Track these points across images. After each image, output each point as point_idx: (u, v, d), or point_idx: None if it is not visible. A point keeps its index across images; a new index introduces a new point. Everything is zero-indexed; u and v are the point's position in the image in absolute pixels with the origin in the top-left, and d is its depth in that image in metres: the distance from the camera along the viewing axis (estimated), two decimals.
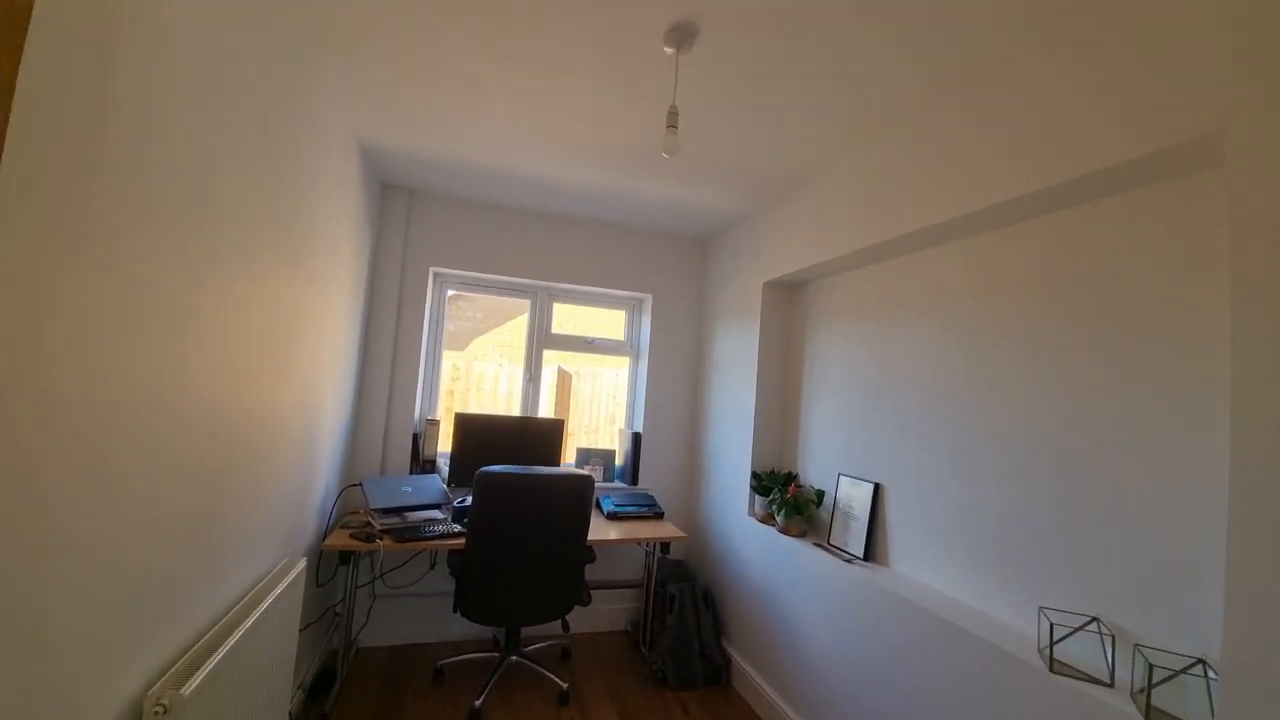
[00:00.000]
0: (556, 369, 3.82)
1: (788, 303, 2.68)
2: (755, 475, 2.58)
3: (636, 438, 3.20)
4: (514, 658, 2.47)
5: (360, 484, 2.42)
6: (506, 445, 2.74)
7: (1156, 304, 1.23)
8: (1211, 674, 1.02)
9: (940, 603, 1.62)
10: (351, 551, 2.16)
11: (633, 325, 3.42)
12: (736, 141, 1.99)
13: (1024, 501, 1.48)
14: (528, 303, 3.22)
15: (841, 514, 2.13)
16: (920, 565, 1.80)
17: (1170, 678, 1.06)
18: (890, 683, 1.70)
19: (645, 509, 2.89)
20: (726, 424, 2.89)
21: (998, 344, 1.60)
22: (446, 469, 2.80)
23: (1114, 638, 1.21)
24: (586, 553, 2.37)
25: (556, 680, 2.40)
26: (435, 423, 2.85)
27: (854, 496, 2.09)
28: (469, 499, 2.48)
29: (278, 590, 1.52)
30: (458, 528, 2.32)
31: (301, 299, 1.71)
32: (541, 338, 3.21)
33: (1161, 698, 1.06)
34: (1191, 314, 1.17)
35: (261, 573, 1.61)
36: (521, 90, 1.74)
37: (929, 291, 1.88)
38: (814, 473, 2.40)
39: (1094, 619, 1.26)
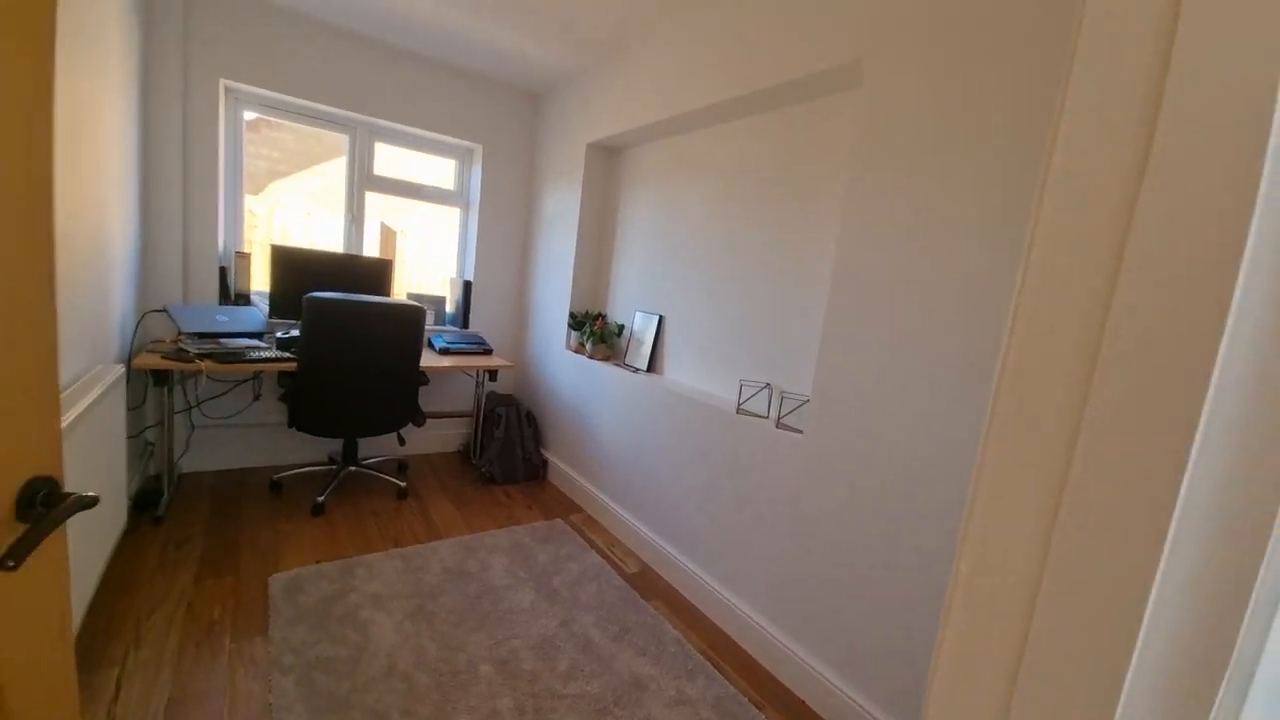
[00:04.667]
0: (380, 225, 3.71)
1: (606, 165, 3.01)
2: (572, 315, 3.05)
3: (467, 285, 3.42)
4: (352, 467, 2.78)
5: (165, 308, 2.33)
6: (331, 281, 2.78)
7: (808, 181, 1.85)
8: (809, 402, 1.79)
9: (684, 389, 2.31)
10: (167, 373, 2.17)
11: (463, 175, 3.46)
12: None
13: (736, 317, 2.15)
14: (345, 140, 3.05)
15: (635, 340, 2.72)
16: (682, 370, 2.48)
17: (795, 409, 1.81)
18: (647, 445, 2.41)
19: (475, 346, 3.23)
20: (551, 273, 3.27)
21: (733, 206, 2.17)
22: (265, 306, 2.77)
23: (777, 393, 1.96)
24: (419, 376, 2.67)
25: (394, 481, 2.79)
26: (245, 256, 2.73)
27: (644, 326, 2.67)
28: (294, 331, 2.56)
29: (99, 389, 1.59)
30: (286, 354, 2.43)
31: (78, 88, 1.56)
32: (363, 179, 3.12)
33: (787, 420, 1.82)
34: (821, 187, 1.80)
35: (73, 375, 1.63)
36: None
37: (703, 163, 2.37)
38: (617, 311, 2.95)
39: (768, 384, 2.00)
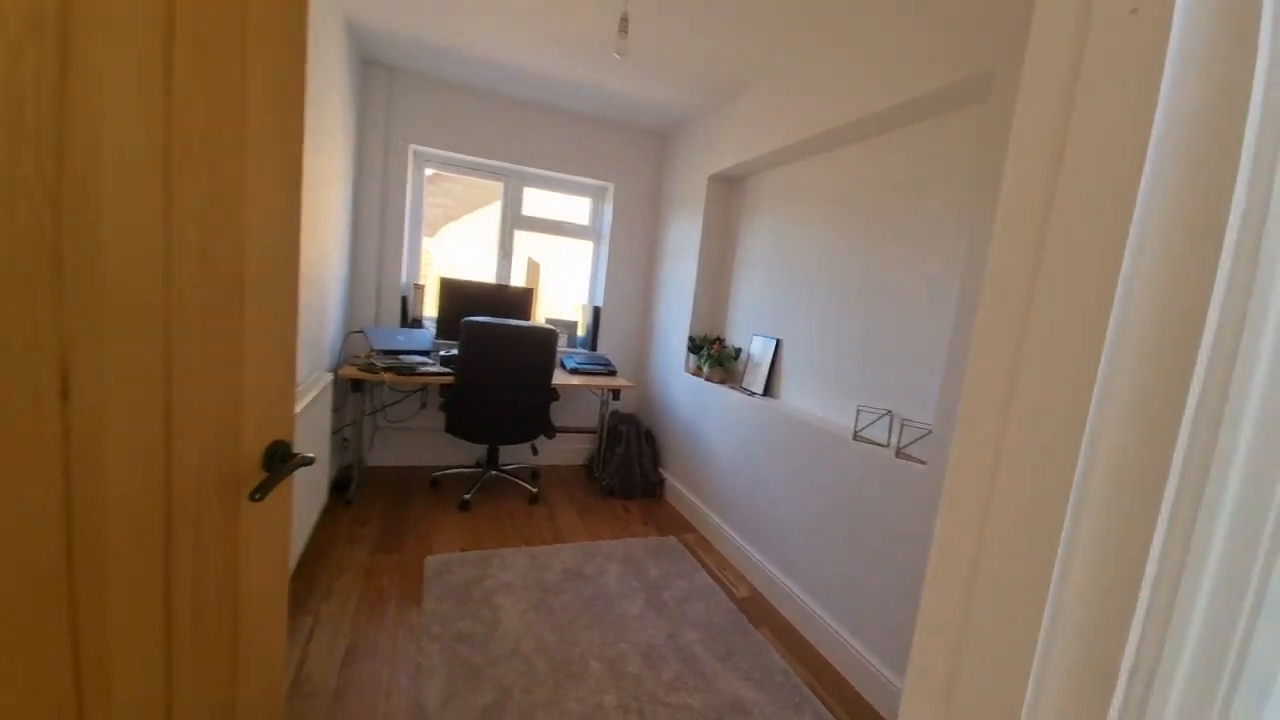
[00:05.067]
0: (527, 259, 4.21)
1: (726, 194, 3.11)
2: (691, 339, 3.16)
3: (596, 311, 3.71)
4: (493, 472, 3.13)
5: (362, 330, 2.89)
6: (484, 307, 3.21)
7: (928, 201, 1.75)
8: (932, 433, 1.68)
9: (802, 413, 2.27)
10: (361, 381, 2.68)
11: (596, 211, 3.80)
12: (685, 46, 2.31)
13: (855, 341, 2.08)
14: (500, 186, 3.53)
15: (753, 364, 2.75)
16: (799, 395, 2.44)
17: (918, 439, 1.71)
18: (761, 469, 2.40)
19: (601, 367, 3.47)
20: (672, 298, 3.42)
21: (851, 228, 2.12)
22: (433, 328, 3.28)
23: (897, 421, 1.86)
24: (551, 392, 2.95)
25: (528, 487, 3.09)
26: (421, 287, 3.28)
27: (762, 350, 2.69)
28: (454, 350, 2.99)
29: (315, 390, 2.04)
30: (446, 370, 2.85)
31: (314, 164, 2.06)
32: (513, 219, 3.57)
33: (909, 449, 1.72)
34: (943, 207, 1.69)
35: (301, 378, 2.11)
36: None
37: (820, 187, 2.36)
38: (735, 335, 2.99)
39: (888, 411, 1.91)
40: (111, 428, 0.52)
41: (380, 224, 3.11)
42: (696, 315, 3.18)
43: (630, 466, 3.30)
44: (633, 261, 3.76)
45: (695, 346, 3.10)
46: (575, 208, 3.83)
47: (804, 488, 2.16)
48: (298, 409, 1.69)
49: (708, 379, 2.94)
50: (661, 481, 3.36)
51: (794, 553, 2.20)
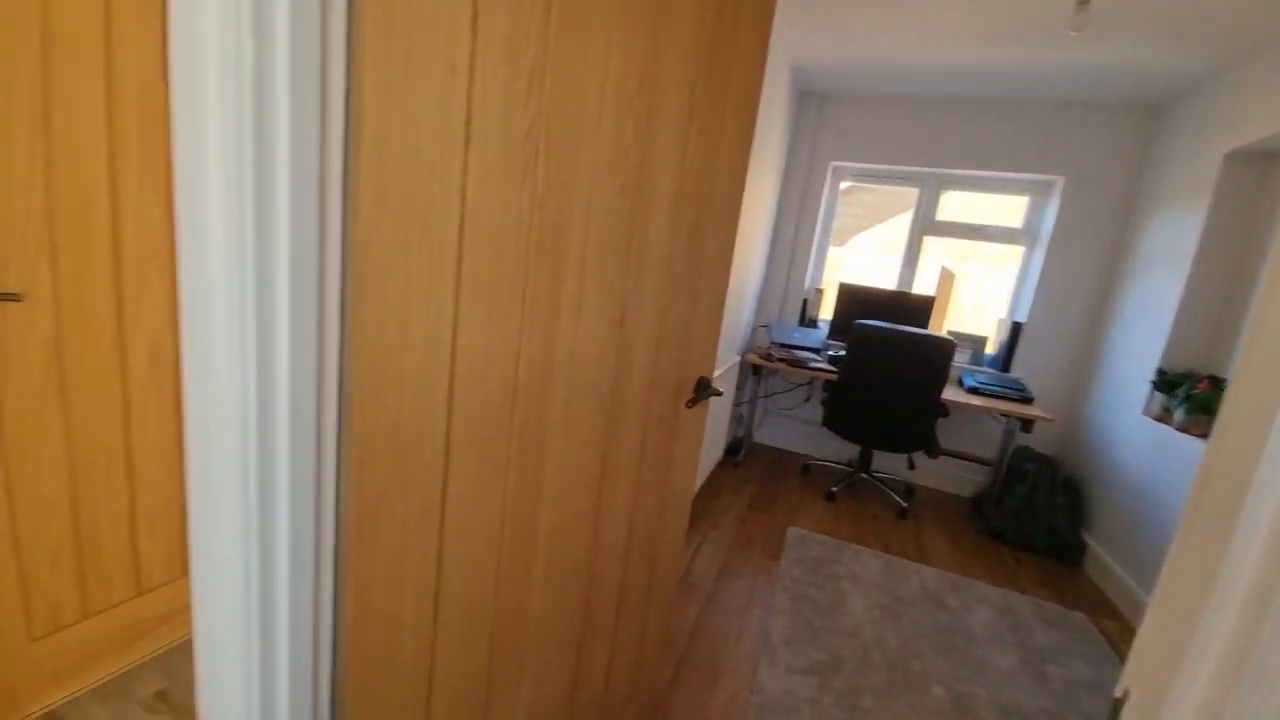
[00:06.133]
0: (940, 268, 3.95)
1: (1251, 178, 2.19)
2: (1161, 373, 2.39)
3: (1016, 327, 3.21)
4: (863, 475, 3.18)
5: (767, 325, 3.41)
6: (880, 312, 3.26)
7: None
8: None
9: None
10: (759, 367, 3.18)
11: (1035, 212, 3.26)
12: None
13: None
14: (914, 193, 3.46)
15: None
16: None
17: None
18: None
19: (1011, 391, 3.00)
20: (1137, 319, 2.65)
21: None
22: (826, 329, 3.55)
23: None
24: (939, 407, 2.78)
25: (898, 500, 3.01)
26: (821, 291, 3.59)
27: None
28: (841, 351, 3.17)
29: (726, 366, 2.59)
30: (831, 367, 3.06)
31: (751, 188, 2.60)
32: (924, 225, 3.45)
33: None
34: None
35: (718, 354, 2.71)
36: None
37: None
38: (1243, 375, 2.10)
39: None
40: (637, 345, 0.95)
41: (794, 234, 3.55)
42: (1175, 343, 2.38)
43: (1034, 515, 2.76)
44: (1081, 270, 3.06)
45: (1166, 384, 2.34)
46: (1003, 210, 3.38)
47: None
48: (716, 374, 2.24)
49: (1180, 428, 2.19)
50: (1082, 546, 2.68)
51: None
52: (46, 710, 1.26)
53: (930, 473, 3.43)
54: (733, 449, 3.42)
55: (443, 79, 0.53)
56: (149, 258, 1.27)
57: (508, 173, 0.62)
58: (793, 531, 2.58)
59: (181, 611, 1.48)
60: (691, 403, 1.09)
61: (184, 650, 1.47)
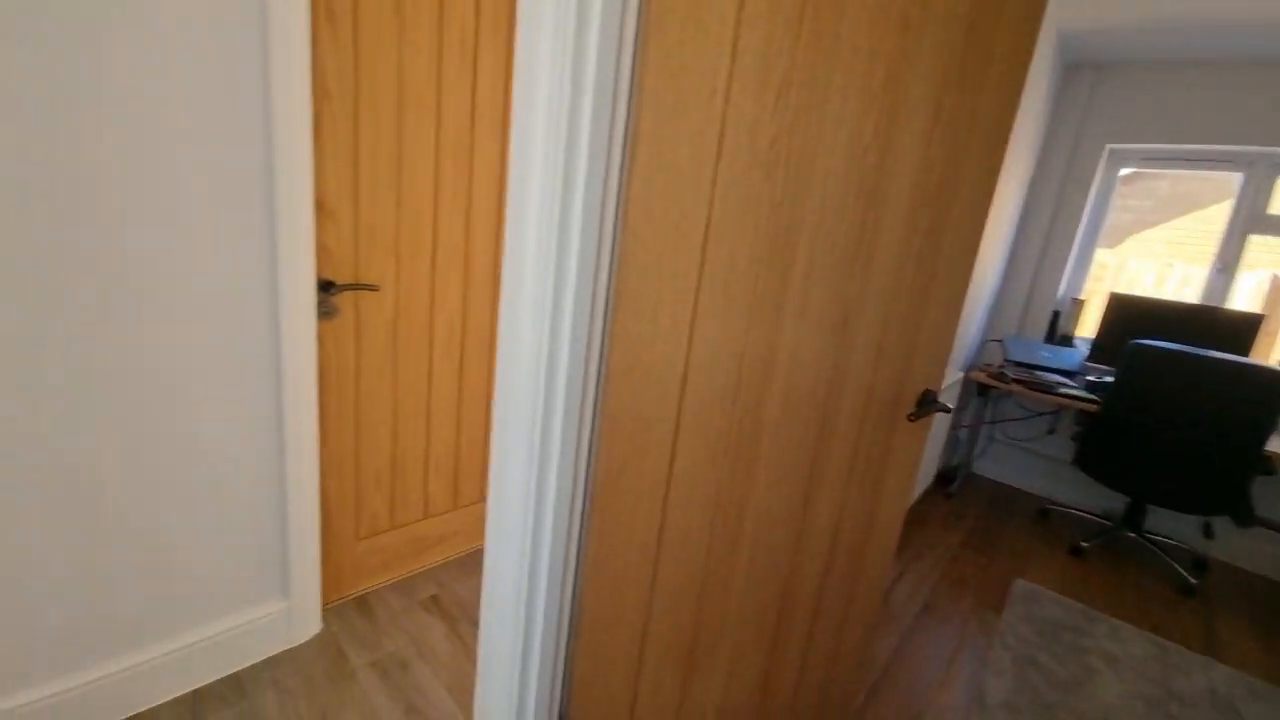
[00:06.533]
0: (1273, 276, 2.93)
1: None
2: None
3: None
4: (1131, 534, 2.54)
5: (1001, 339, 2.94)
6: (1167, 333, 2.57)
7: None
8: None
9: None
10: (988, 388, 2.76)
11: None
12: None
13: None
14: (1234, 179, 2.64)
15: None
16: None
17: None
18: None
19: None
20: None
21: None
22: (1084, 349, 2.92)
23: None
24: (1259, 461, 2.09)
25: (1184, 574, 2.34)
26: (1080, 302, 2.96)
27: None
28: (1107, 378, 2.58)
29: (947, 381, 2.31)
30: (1091, 395, 2.51)
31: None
32: (1248, 221, 2.61)
33: None
34: None
35: None
36: None
37: None
38: None
39: None
40: (857, 350, 0.93)
41: (1046, 233, 2.99)
42: None
43: None
44: None
45: None
46: None
47: None
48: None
49: None
50: None
51: None
52: (360, 594, 1.71)
53: (1236, 546, 2.59)
54: (946, 477, 3.03)
55: (703, 103, 0.60)
56: (452, 258, 1.64)
57: (750, 180, 0.67)
58: (1020, 584, 2.19)
59: (453, 535, 1.88)
60: (914, 416, 1.02)
61: (452, 566, 1.86)
